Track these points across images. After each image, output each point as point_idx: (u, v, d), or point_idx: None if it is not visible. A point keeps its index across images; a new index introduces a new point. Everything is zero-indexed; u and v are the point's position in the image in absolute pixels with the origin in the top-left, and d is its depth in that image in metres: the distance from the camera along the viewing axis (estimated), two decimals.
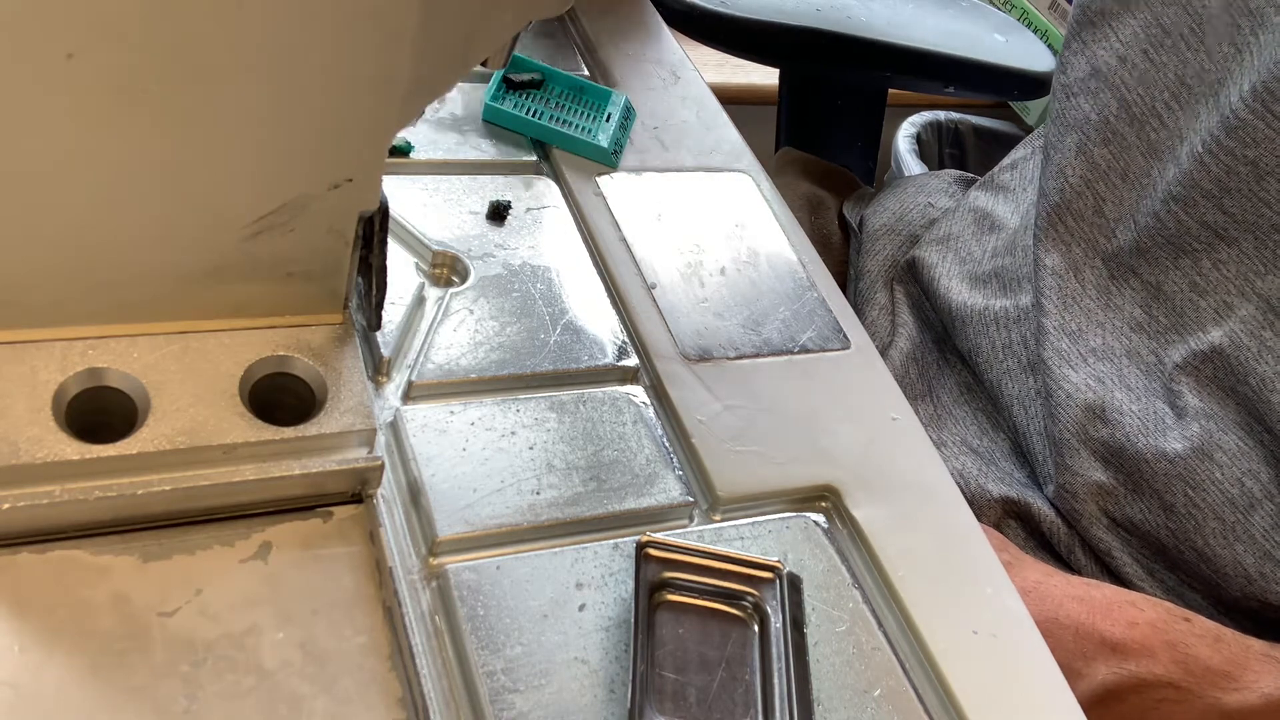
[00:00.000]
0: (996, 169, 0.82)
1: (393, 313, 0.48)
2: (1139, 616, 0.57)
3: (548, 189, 0.58)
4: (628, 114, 0.64)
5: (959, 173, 0.91)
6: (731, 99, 0.76)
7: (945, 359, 0.76)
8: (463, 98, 0.63)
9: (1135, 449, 0.63)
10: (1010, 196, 0.79)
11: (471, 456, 0.44)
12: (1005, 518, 0.67)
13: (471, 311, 0.50)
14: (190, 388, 0.40)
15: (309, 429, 0.40)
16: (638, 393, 0.49)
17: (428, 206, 0.55)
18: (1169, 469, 0.62)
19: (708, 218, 0.60)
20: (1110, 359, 0.66)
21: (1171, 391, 0.63)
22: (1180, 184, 0.61)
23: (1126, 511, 0.64)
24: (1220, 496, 0.61)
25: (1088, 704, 0.55)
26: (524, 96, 0.62)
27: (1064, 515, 0.66)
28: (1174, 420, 0.62)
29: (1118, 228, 0.66)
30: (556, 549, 0.42)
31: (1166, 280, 0.63)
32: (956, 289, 0.75)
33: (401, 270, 0.51)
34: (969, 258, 0.77)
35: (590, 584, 0.41)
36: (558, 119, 0.62)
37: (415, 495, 0.43)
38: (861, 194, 0.92)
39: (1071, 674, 0.55)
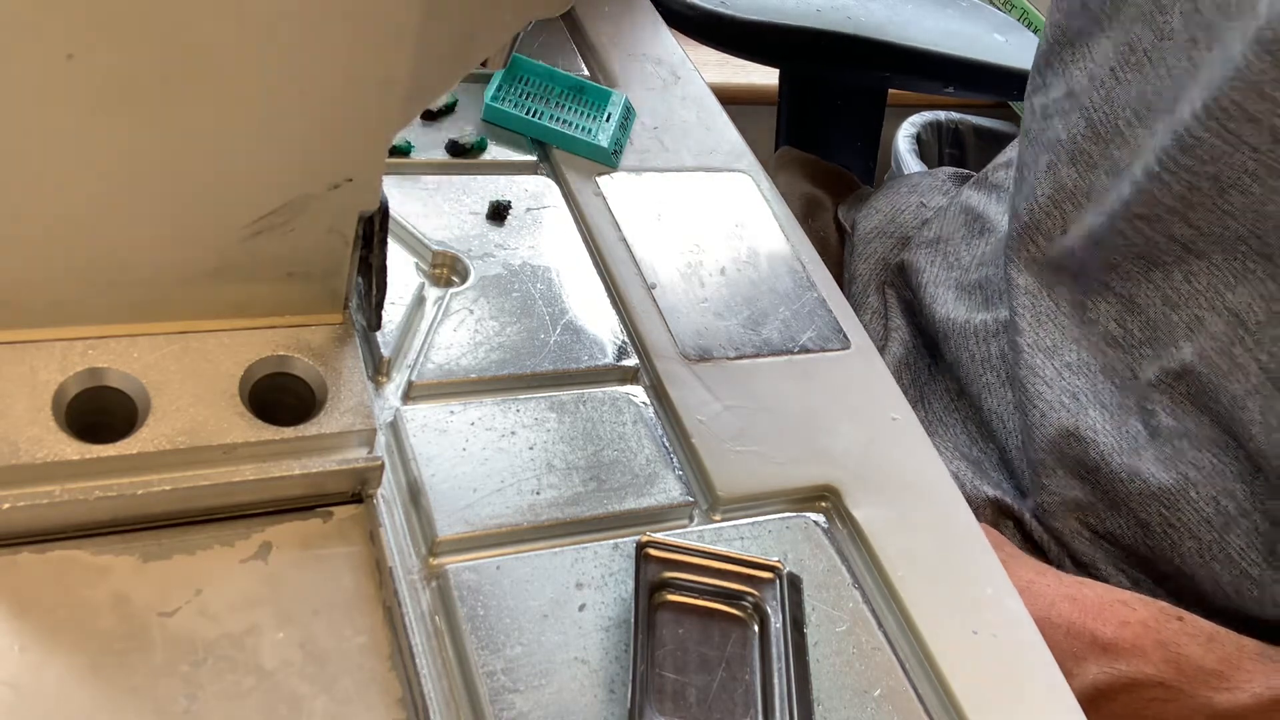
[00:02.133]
0: (991, 166, 0.81)
1: (393, 313, 0.48)
2: (1131, 616, 0.57)
3: (548, 189, 0.58)
4: (628, 114, 0.64)
5: (954, 170, 0.90)
6: (731, 99, 0.76)
7: (936, 366, 0.76)
8: (463, 98, 0.63)
9: (1110, 468, 0.63)
10: (1003, 196, 0.78)
11: (471, 456, 0.44)
12: (1001, 518, 0.67)
13: (471, 311, 0.50)
14: (190, 388, 0.40)
15: (309, 429, 0.40)
16: (638, 393, 0.49)
17: (428, 206, 0.55)
18: (1143, 488, 0.62)
19: (708, 218, 0.60)
20: (1085, 374, 0.65)
21: (1146, 410, 0.62)
22: (1142, 203, 0.60)
23: (1107, 526, 0.64)
24: (1195, 516, 0.60)
25: (1078, 703, 0.55)
26: (524, 97, 0.62)
27: (1049, 528, 0.66)
28: (1148, 440, 0.62)
29: (1080, 246, 0.65)
30: (556, 549, 0.42)
31: (1139, 292, 0.63)
32: (942, 299, 0.75)
33: (401, 270, 0.51)
34: (957, 263, 0.76)
35: (590, 584, 0.41)
36: (558, 119, 0.62)
37: (415, 495, 0.43)
38: (859, 195, 0.92)
39: (1063, 673, 0.55)
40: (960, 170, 0.90)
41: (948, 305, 0.74)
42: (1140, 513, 0.62)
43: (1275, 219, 0.56)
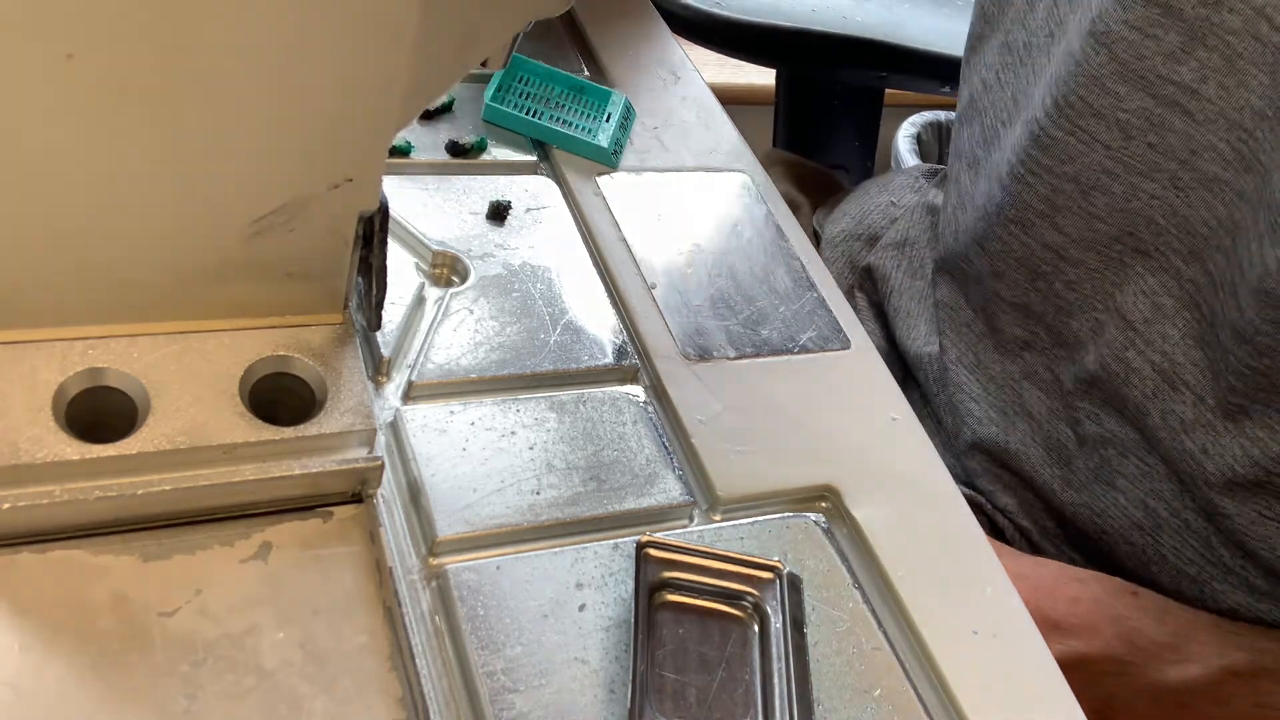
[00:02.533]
0: None
1: (393, 313, 0.48)
2: (1082, 593, 0.57)
3: (548, 189, 0.58)
4: (628, 114, 0.64)
5: (928, 166, 0.90)
6: (731, 99, 0.76)
7: (908, 374, 0.76)
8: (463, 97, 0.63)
9: (1041, 480, 0.62)
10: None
11: (471, 456, 0.44)
12: (976, 512, 0.68)
13: (471, 311, 0.50)
14: (190, 388, 0.40)
15: (309, 429, 0.40)
16: (638, 393, 0.49)
17: (428, 206, 0.55)
18: (1074, 498, 0.61)
19: (708, 218, 0.60)
20: (1010, 385, 0.65)
21: (1072, 417, 0.62)
22: (1013, 206, 0.60)
23: (1060, 531, 0.64)
24: (1126, 521, 0.60)
25: None
26: (524, 97, 0.62)
27: (1018, 527, 0.66)
28: (1076, 446, 0.61)
29: (973, 251, 0.65)
30: (556, 549, 0.42)
31: (1030, 301, 0.62)
32: (905, 311, 0.74)
33: (401, 270, 0.51)
34: (921, 270, 0.75)
35: (590, 584, 0.41)
36: (558, 119, 0.62)
37: (415, 495, 0.43)
38: (835, 199, 0.91)
39: None
40: (935, 166, 0.89)
41: (907, 324, 0.74)
42: (1075, 521, 0.62)
43: (1144, 214, 0.55)
